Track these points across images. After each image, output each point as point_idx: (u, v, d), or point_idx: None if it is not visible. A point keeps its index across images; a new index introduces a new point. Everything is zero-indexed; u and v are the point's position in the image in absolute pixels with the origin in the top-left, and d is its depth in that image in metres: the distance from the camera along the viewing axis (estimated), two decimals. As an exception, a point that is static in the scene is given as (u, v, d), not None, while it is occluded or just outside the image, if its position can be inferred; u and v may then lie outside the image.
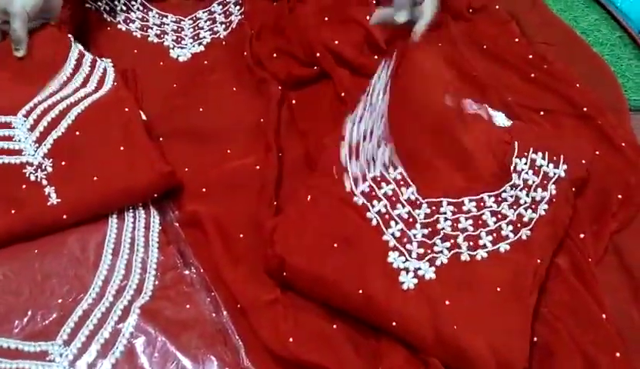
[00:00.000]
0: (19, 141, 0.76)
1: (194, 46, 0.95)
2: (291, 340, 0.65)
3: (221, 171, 0.81)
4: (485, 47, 0.93)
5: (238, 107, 0.88)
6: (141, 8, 0.99)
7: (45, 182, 0.73)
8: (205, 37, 0.97)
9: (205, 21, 0.98)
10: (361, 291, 0.65)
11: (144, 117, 0.82)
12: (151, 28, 0.97)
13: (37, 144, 0.76)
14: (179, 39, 0.96)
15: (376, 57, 0.91)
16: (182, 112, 0.87)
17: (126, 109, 0.80)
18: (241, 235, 0.75)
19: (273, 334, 0.66)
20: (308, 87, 0.89)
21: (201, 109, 0.87)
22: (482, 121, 0.78)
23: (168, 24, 0.98)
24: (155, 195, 0.75)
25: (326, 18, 0.93)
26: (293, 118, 0.86)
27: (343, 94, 0.85)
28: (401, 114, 0.78)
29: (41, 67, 0.83)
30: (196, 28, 0.98)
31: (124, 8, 0.99)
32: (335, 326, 0.67)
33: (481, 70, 0.90)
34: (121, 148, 0.76)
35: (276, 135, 0.83)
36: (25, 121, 0.78)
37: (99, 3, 0.98)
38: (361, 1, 0.95)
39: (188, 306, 0.67)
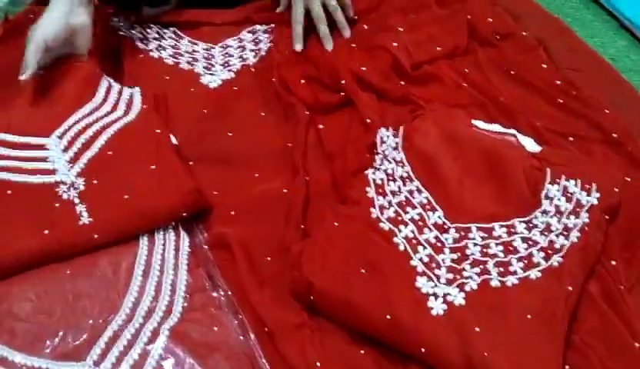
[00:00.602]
0: (53, 161, 0.79)
1: (224, 73, 0.97)
2: (318, 364, 0.65)
3: (250, 194, 0.82)
4: (512, 72, 0.93)
5: (266, 131, 0.89)
6: (173, 36, 1.02)
7: (77, 200, 0.75)
8: (234, 64, 0.98)
9: (235, 49, 1.01)
10: (388, 316, 0.65)
11: (174, 140, 0.83)
12: (183, 56, 0.99)
13: (70, 164, 0.79)
14: (209, 66, 0.98)
15: (402, 83, 0.92)
16: (212, 137, 0.89)
17: (157, 131, 0.83)
18: (269, 258, 0.75)
19: (300, 357, 0.66)
20: (335, 112, 0.90)
21: (230, 134, 0.89)
22: (513, 146, 0.77)
23: (198, 52, 1.00)
24: (185, 215, 0.76)
25: (353, 45, 0.95)
26: (320, 142, 0.87)
27: (368, 120, 0.86)
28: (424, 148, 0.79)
29: (72, 96, 0.87)
30: (226, 55, 1.00)
31: (156, 36, 1.01)
32: (362, 351, 0.67)
33: (508, 95, 0.90)
34: (152, 167, 0.78)
35: (303, 159, 0.84)
36: (59, 142, 0.80)
37: (132, 31, 1.01)
38: (387, 28, 0.97)
39: (215, 328, 0.67)
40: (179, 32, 1.02)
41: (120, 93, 0.89)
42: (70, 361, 0.64)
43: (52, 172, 0.78)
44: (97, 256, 0.72)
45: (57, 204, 0.75)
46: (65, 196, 0.76)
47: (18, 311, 0.68)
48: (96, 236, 0.72)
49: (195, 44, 1.01)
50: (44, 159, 0.79)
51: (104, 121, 0.83)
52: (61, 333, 0.66)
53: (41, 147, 0.81)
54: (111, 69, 0.94)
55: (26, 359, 0.65)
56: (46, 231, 0.73)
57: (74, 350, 0.65)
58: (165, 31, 1.02)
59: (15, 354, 0.65)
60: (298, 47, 0.96)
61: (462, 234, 0.70)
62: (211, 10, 1.03)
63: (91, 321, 0.67)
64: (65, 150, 0.80)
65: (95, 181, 0.77)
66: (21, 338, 0.66)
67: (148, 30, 1.02)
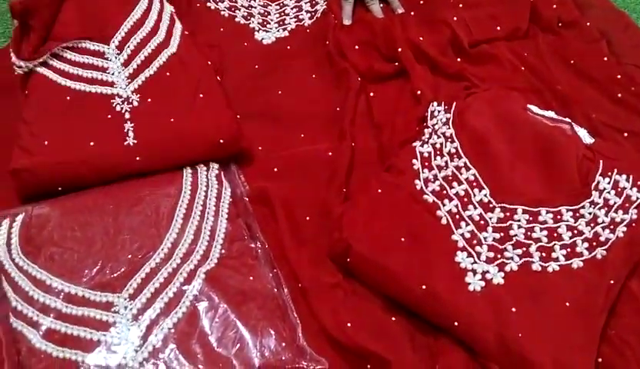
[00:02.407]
0: (113, 74, 0.81)
1: (278, 31, 0.97)
2: (349, 325, 0.65)
3: (294, 153, 0.82)
4: (572, 62, 0.91)
5: (315, 93, 0.89)
6: (231, -12, 1.01)
7: (127, 116, 0.78)
8: (289, 23, 0.98)
9: (292, 8, 1.00)
10: (424, 287, 0.65)
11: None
12: (239, 10, 0.99)
13: (129, 80, 0.81)
14: (265, 23, 0.98)
15: (459, 59, 0.90)
16: (261, 93, 0.88)
17: (208, 62, 0.85)
18: (308, 218, 0.75)
19: (332, 317, 0.66)
20: (388, 81, 0.89)
21: (279, 92, 0.88)
22: (567, 134, 0.76)
23: (255, 7, 1.00)
24: (221, 141, 0.76)
25: (412, 14, 0.93)
26: (369, 109, 0.86)
27: (419, 92, 0.84)
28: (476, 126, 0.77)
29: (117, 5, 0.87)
30: (282, 13, 0.99)
31: (215, -14, 1.01)
32: (393, 318, 0.67)
33: (566, 84, 0.88)
34: (200, 95, 0.80)
35: (351, 125, 0.83)
36: (118, 54, 0.82)
37: (191, -20, 1.01)
38: (445, 4, 0.95)
39: (251, 278, 0.68)
40: (237, -15, 1.02)
41: (160, 15, 0.89)
42: (106, 291, 0.65)
43: (111, 84, 0.80)
44: (140, 193, 0.73)
45: (109, 116, 0.77)
46: (118, 108, 0.78)
47: (58, 239, 0.69)
48: (138, 158, 0.74)
49: (253, -1, 1.01)
50: (104, 70, 0.81)
51: (160, 38, 0.85)
52: (99, 263, 0.67)
53: (101, 55, 0.82)
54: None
55: (64, 285, 0.66)
56: (92, 143, 0.74)
57: (111, 282, 0.66)
58: (224, -17, 1.02)
59: (53, 279, 0.66)
60: (347, 22, 0.95)
61: (507, 214, 0.69)
62: (272, -33, 1.02)
63: (129, 256, 0.68)
64: (125, 64, 0.81)
65: (149, 100, 0.79)
66: (59, 264, 0.67)
67: (207, -20, 1.01)
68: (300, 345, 0.64)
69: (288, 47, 0.95)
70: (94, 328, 0.63)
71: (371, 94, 0.87)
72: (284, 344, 0.63)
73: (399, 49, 0.88)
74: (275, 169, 0.80)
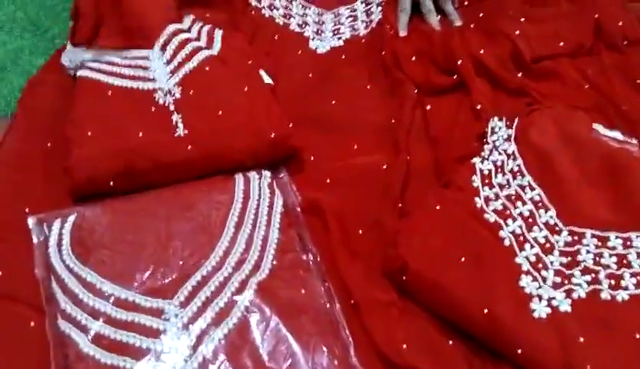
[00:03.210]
0: (154, 70, 0.81)
1: (333, 40, 0.95)
2: (404, 346, 0.62)
3: (347, 164, 0.80)
4: (638, 81, 0.87)
5: (370, 104, 0.87)
6: (286, -4, 1.01)
7: (172, 107, 0.77)
8: (344, 32, 0.96)
9: (347, 18, 0.98)
10: (486, 311, 0.61)
11: (267, 79, 0.84)
12: (294, 17, 0.98)
13: (170, 75, 0.80)
14: (319, 31, 0.96)
15: (520, 74, 0.87)
16: (315, 101, 0.87)
17: (249, 61, 0.84)
18: (360, 231, 0.73)
19: (386, 336, 0.63)
20: (445, 94, 0.86)
21: (333, 102, 0.87)
22: (635, 157, 0.72)
23: (310, 16, 0.98)
24: (272, 136, 0.75)
25: (472, 26, 0.91)
26: (426, 123, 0.84)
27: (479, 106, 0.82)
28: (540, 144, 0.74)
29: (163, 14, 0.87)
30: (337, 23, 0.98)
31: (269, -6, 1.00)
32: (450, 342, 0.64)
33: (631, 104, 0.84)
34: (245, 89, 0.79)
35: (407, 137, 0.81)
36: (161, 54, 0.82)
37: (247, -13, 1.00)
38: (507, 17, 0.92)
39: (303, 291, 0.65)
40: (293, -6, 1.01)
41: (201, 28, 0.89)
42: (157, 297, 0.64)
43: (152, 80, 0.80)
44: (192, 199, 0.72)
45: (153, 108, 0.77)
46: (160, 101, 0.78)
47: (109, 241, 0.68)
48: (190, 147, 0.73)
49: (307, 7, 1.00)
50: (145, 68, 0.82)
51: (201, 42, 0.85)
52: (151, 268, 0.66)
53: (145, 57, 0.83)
54: (222, 23, 0.93)
55: (114, 289, 0.65)
56: (140, 134, 0.74)
57: (162, 288, 0.64)
58: (279, -10, 1.01)
59: (103, 282, 0.65)
60: (402, 33, 0.93)
61: (575, 238, 0.66)
62: (328, -25, 1.01)
63: (181, 262, 0.66)
64: (168, 63, 0.81)
65: (192, 92, 0.78)
66: (110, 267, 0.66)
67: (262, -13, 1.00)
68: (352, 364, 0.62)
69: (343, 56, 0.93)
70: (143, 335, 0.61)
71: (428, 106, 0.85)
72: (336, 362, 0.61)
73: (459, 61, 0.85)
74: (328, 180, 0.78)
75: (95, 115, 0.78)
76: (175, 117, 0.76)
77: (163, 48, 0.83)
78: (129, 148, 0.74)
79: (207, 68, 0.82)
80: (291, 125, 0.79)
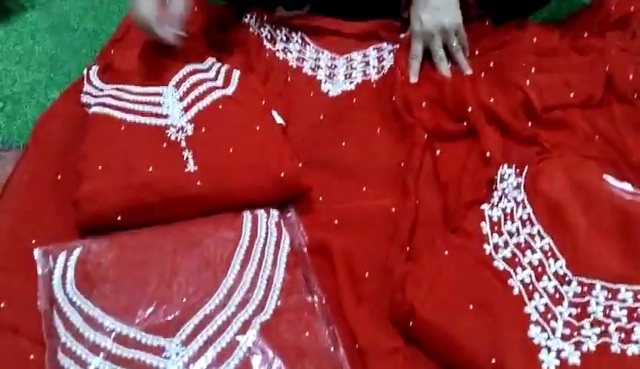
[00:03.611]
0: (167, 107, 0.82)
1: (345, 84, 0.96)
2: (409, 395, 0.60)
3: (356, 206, 0.80)
4: (648, 134, 0.87)
5: (380, 148, 0.87)
6: (300, 41, 1.02)
7: (183, 144, 0.78)
8: (356, 77, 0.98)
9: (359, 63, 1.00)
10: (494, 361, 0.60)
11: (278, 119, 0.86)
12: (307, 61, 0.99)
13: (183, 112, 0.82)
14: (332, 75, 0.98)
15: (530, 124, 0.87)
16: (325, 143, 0.87)
17: (262, 102, 0.86)
18: (367, 274, 0.72)
19: (391, 383, 0.62)
20: (455, 140, 0.87)
21: (343, 143, 0.87)
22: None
23: (322, 60, 1.00)
24: (282, 175, 0.75)
25: (482, 75, 0.92)
26: (435, 168, 0.84)
27: (488, 153, 0.82)
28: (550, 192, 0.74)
29: (184, 57, 0.89)
30: (349, 67, 0.99)
31: (284, 38, 1.02)
32: (457, 391, 0.62)
33: (642, 157, 0.84)
34: (257, 128, 0.80)
35: (416, 182, 0.81)
36: (175, 91, 0.84)
37: (262, 29, 1.02)
38: (521, 67, 0.93)
39: (307, 333, 0.64)
40: (306, 38, 1.03)
41: (220, 68, 0.91)
42: (158, 335, 0.63)
43: (165, 117, 0.81)
44: (199, 236, 0.71)
45: (164, 144, 0.77)
46: (172, 137, 0.78)
47: (114, 276, 0.68)
48: (199, 183, 0.73)
49: (320, 52, 1.01)
50: (158, 104, 0.83)
51: (216, 83, 0.86)
52: (153, 305, 0.65)
53: (158, 94, 0.84)
54: (237, 64, 0.94)
55: (115, 324, 0.64)
56: (150, 169, 0.74)
57: (164, 325, 0.63)
58: (293, 35, 1.03)
59: (105, 317, 0.64)
60: (413, 79, 0.94)
61: (585, 289, 0.65)
62: (341, 20, 1.03)
63: (184, 299, 0.65)
64: (181, 99, 0.83)
65: (204, 130, 0.79)
66: (113, 302, 0.66)
67: (278, 31, 1.03)
68: (356, 411, 0.60)
69: (354, 100, 0.94)
70: (143, 373, 0.60)
71: (438, 151, 0.85)
72: (339, 408, 0.59)
73: (469, 109, 0.86)
74: (336, 221, 0.78)
75: (106, 150, 0.79)
76: (186, 153, 0.77)
77: (177, 85, 0.84)
78: (139, 183, 0.74)
79: (220, 107, 0.83)
80: (301, 165, 0.79)
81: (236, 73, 0.89)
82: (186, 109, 0.82)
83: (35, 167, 0.83)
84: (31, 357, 0.63)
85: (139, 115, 0.82)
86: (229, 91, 0.86)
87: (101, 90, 0.88)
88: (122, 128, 0.81)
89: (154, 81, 0.86)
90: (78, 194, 0.74)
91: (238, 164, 0.77)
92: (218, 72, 0.89)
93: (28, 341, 0.65)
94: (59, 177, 0.81)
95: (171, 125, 0.80)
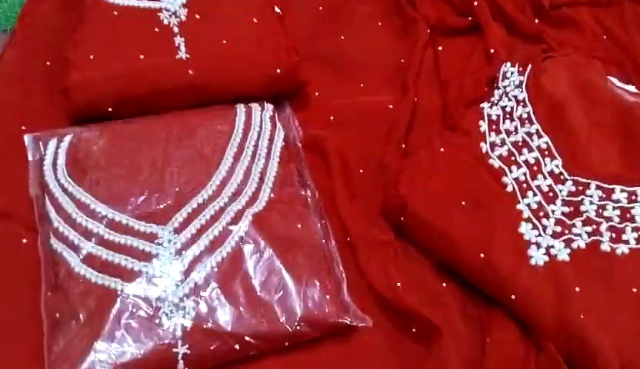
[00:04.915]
0: None
1: (346, -27, 0.91)
2: (399, 284, 0.62)
3: (352, 102, 0.78)
4: (659, 36, 0.84)
5: (380, 42, 0.84)
6: None
7: (176, 30, 0.74)
8: (359, -34, 0.92)
9: (362, -48, 0.94)
10: (483, 255, 0.61)
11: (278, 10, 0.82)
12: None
13: None
14: (333, -37, 0.92)
15: (537, 20, 0.84)
16: (323, 37, 0.85)
17: None
18: (362, 171, 0.72)
19: (381, 274, 0.63)
20: (459, 36, 0.84)
21: (342, 37, 0.84)
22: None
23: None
24: (278, 71, 0.73)
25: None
26: (436, 65, 0.81)
27: (492, 50, 0.79)
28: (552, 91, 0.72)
29: None
30: (352, -44, 0.93)
31: None
32: (444, 284, 0.63)
33: (650, 58, 0.81)
34: (254, 20, 0.76)
35: (415, 79, 0.79)
36: None
37: None
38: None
39: (299, 225, 0.64)
40: None
41: None
42: (151, 222, 0.63)
43: (158, 0, 0.77)
44: (192, 127, 0.70)
45: (156, 29, 0.74)
46: (165, 21, 0.75)
47: (105, 164, 0.67)
48: (191, 71, 0.71)
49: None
50: None
51: None
52: (146, 193, 0.65)
53: None
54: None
55: (108, 211, 0.63)
56: (141, 56, 0.71)
57: (156, 213, 0.63)
58: None
59: (97, 204, 0.64)
60: None
61: (579, 188, 0.64)
62: None
63: (177, 189, 0.65)
64: None
65: (198, 16, 0.76)
66: (105, 189, 0.65)
67: None
68: (344, 300, 0.61)
69: (355, -10, 0.90)
70: (135, 258, 0.60)
71: (440, 48, 0.82)
72: (328, 297, 0.60)
73: (475, 3, 0.82)
74: (332, 117, 0.76)
75: (96, 38, 0.75)
76: (178, 40, 0.74)
77: None
78: (128, 72, 0.71)
79: None
80: (297, 59, 0.76)
81: None
82: None
83: (24, 52, 0.80)
84: (24, 241, 0.64)
85: None
86: None
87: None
88: (115, 13, 0.77)
89: None
90: (66, 84, 0.71)
91: (232, 55, 0.74)
92: None
93: (21, 226, 0.65)
94: (49, 63, 0.78)
95: (164, 9, 0.76)
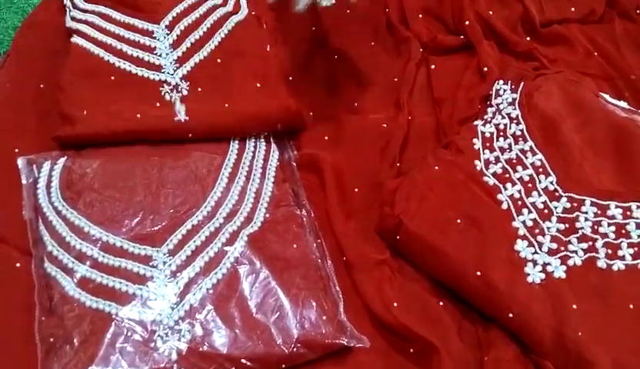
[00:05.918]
0: (160, 56, 0.76)
1: (338, -6, 0.92)
2: (395, 304, 0.61)
3: (347, 121, 0.78)
4: (649, 52, 0.85)
5: (373, 62, 0.85)
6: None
7: (178, 104, 0.73)
8: (350, -13, 0.93)
9: (353, -28, 0.95)
10: (479, 273, 0.61)
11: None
12: (299, -31, 0.94)
13: (177, 64, 0.75)
14: (325, -16, 0.93)
15: (528, 38, 0.85)
16: (317, 57, 0.84)
17: (267, 48, 0.80)
18: (357, 189, 0.72)
19: (376, 294, 0.62)
20: (451, 55, 0.84)
21: (336, 57, 0.84)
22: (641, 127, 0.70)
23: (316, -32, 0.95)
24: (279, 127, 0.73)
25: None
26: (429, 83, 0.82)
27: (485, 68, 0.80)
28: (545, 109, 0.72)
29: None
30: (343, -24, 0.94)
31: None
32: (441, 303, 0.63)
33: (640, 74, 0.82)
34: (257, 85, 0.75)
35: (409, 97, 0.79)
36: (167, 34, 0.77)
37: None
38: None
39: (295, 245, 0.64)
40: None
41: None
42: (145, 244, 0.62)
43: (158, 68, 0.75)
44: (188, 149, 0.70)
45: (157, 104, 0.72)
46: (167, 97, 0.73)
47: (99, 186, 0.67)
48: (190, 135, 0.70)
49: (314, -41, 0.96)
50: (151, 50, 0.76)
51: (215, 17, 0.79)
52: (140, 215, 0.64)
53: (149, 34, 0.77)
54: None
55: (102, 233, 0.63)
56: (138, 115, 0.70)
57: (151, 235, 0.63)
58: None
59: (91, 226, 0.64)
60: None
61: (574, 205, 0.64)
62: None
63: (171, 210, 0.65)
64: (174, 46, 0.76)
65: (200, 89, 0.74)
66: (99, 212, 0.65)
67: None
68: (341, 320, 0.61)
69: (348, 11, 0.90)
70: (130, 281, 0.60)
71: (433, 66, 0.83)
72: (325, 318, 0.60)
73: (467, 22, 0.83)
74: (326, 137, 0.76)
75: (88, 92, 0.73)
76: (179, 106, 0.72)
77: (170, 28, 0.78)
78: (125, 130, 0.70)
79: (218, 60, 0.77)
80: (300, 114, 0.75)
81: None
82: (181, 61, 0.76)
83: (18, 75, 0.80)
84: (18, 265, 0.63)
85: (129, 62, 0.75)
86: (238, 17, 0.81)
87: (84, 11, 0.80)
88: (112, 78, 0.74)
89: (145, 13, 0.79)
90: (60, 133, 0.70)
91: (232, 118, 0.72)
92: None
93: (15, 250, 0.64)
94: (42, 86, 0.78)
95: (165, 82, 0.74)
